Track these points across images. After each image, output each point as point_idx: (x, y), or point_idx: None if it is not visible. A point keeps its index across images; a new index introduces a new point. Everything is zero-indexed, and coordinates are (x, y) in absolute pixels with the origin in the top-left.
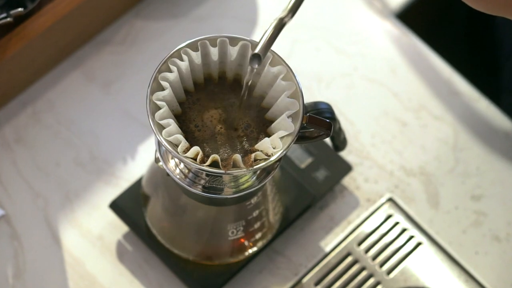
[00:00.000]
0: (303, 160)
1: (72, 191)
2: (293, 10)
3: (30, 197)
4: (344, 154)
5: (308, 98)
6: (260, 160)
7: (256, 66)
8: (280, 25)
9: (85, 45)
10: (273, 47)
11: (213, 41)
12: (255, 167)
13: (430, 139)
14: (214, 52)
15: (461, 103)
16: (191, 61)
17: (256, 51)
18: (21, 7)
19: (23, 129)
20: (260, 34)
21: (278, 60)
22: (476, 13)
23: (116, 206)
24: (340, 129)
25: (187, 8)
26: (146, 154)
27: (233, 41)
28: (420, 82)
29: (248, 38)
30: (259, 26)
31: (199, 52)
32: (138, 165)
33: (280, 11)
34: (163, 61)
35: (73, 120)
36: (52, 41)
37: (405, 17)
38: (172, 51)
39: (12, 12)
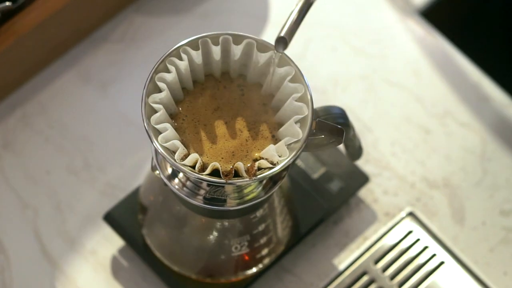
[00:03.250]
0: (315, 169)
1: (63, 201)
2: None
3: (18, 208)
4: (361, 163)
5: (323, 102)
6: (264, 169)
7: (282, 50)
8: (307, 5)
9: (80, 43)
10: None
11: (215, 39)
12: (258, 176)
13: (455, 148)
14: (216, 51)
15: (490, 110)
16: (190, 61)
17: (282, 34)
18: (10, 1)
19: (11, 134)
20: (270, 32)
21: (286, 60)
22: (508, 10)
23: (111, 218)
24: (354, 136)
25: (191, 3)
26: (144, 161)
27: (237, 39)
28: (446, 86)
29: (254, 36)
30: (270, 23)
31: (199, 51)
32: (136, 173)
33: (292, 6)
34: (160, 60)
35: (66, 125)
36: (44, 38)
37: (431, 14)
38: (170, 50)
39: (0, 6)
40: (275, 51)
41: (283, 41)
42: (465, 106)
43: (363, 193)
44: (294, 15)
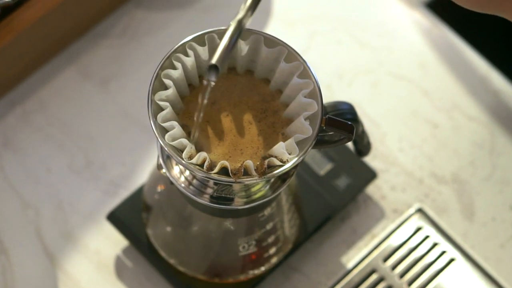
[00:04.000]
0: (322, 166)
1: (65, 200)
2: (252, 7)
3: (19, 207)
4: (368, 159)
5: (328, 97)
6: (274, 167)
7: (214, 79)
8: (239, 28)
9: (80, 38)
10: (288, 40)
11: (221, 35)
12: (268, 175)
13: (464, 143)
14: None
15: (499, 103)
16: (197, 57)
17: (213, 61)
18: None
19: (11, 132)
20: (274, 25)
21: (294, 55)
22: None
23: (115, 217)
24: (363, 132)
25: None
26: (148, 159)
27: (244, 34)
28: (453, 79)
29: (261, 31)
30: (274, 17)
31: (206, 47)
32: (139, 172)
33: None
34: (166, 56)
35: (67, 122)
36: (43, 34)
37: (436, 6)
38: (176, 46)
39: None
40: (207, 80)
41: (215, 69)
42: (473, 100)
43: (371, 189)
44: (225, 42)
